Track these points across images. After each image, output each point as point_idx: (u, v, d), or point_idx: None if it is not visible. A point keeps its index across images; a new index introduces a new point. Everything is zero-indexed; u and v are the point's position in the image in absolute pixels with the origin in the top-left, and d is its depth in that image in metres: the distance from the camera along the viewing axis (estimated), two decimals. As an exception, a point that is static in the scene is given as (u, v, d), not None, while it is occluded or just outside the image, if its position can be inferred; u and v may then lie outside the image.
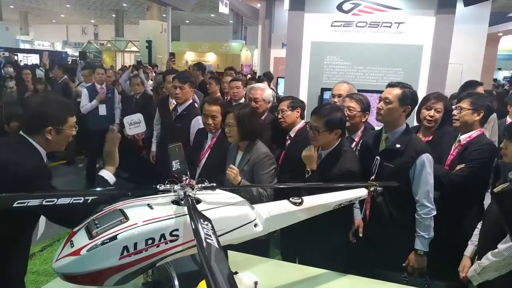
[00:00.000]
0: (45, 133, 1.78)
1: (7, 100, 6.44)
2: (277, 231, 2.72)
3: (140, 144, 4.71)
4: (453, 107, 2.62)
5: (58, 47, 30.35)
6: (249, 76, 9.70)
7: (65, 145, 1.93)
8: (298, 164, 2.40)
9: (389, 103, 2.28)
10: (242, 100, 3.91)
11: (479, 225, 2.14)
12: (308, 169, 2.32)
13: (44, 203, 1.31)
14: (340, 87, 3.18)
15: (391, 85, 2.36)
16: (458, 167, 2.46)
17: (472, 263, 2.07)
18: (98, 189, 1.70)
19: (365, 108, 2.77)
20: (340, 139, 2.35)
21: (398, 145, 2.27)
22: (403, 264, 2.28)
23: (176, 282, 1.41)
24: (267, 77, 7.12)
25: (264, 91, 3.20)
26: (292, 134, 2.91)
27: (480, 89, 3.64)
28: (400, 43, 3.79)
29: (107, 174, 1.87)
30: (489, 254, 1.87)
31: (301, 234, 2.32)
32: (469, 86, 3.64)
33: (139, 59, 13.37)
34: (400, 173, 2.24)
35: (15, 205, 1.26)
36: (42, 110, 1.80)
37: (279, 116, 2.91)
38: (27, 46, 24.88)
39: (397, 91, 2.28)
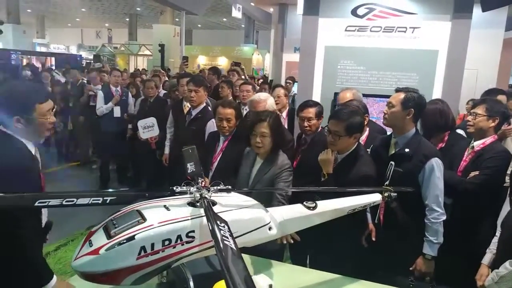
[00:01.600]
0: (14, 122, 1.73)
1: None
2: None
3: (153, 147, 4.77)
4: (468, 113, 2.62)
5: (73, 50, 30.85)
6: (260, 80, 9.75)
7: (44, 134, 1.85)
8: (315, 169, 2.40)
9: (392, 107, 2.34)
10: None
11: (498, 233, 2.11)
12: (324, 173, 2.32)
13: (64, 202, 1.34)
14: (345, 95, 3.15)
15: (397, 90, 2.40)
16: (472, 174, 2.43)
17: (490, 272, 2.03)
18: (111, 190, 1.71)
19: (363, 111, 2.77)
20: (357, 142, 2.34)
21: (407, 150, 2.29)
22: (410, 268, 2.27)
23: (191, 284, 1.43)
24: (293, 80, 7.39)
25: (267, 102, 3.08)
26: (308, 139, 2.88)
27: (501, 97, 3.59)
28: (415, 48, 3.76)
29: None
30: (507, 263, 1.83)
31: (312, 237, 2.33)
32: (492, 93, 3.58)
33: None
34: (409, 177, 2.24)
35: (36, 204, 1.29)
36: (5, 99, 1.76)
37: (305, 124, 2.80)
38: (43, 49, 25.37)
39: (400, 95, 2.32)
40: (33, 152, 1.82)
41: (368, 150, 2.55)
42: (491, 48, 6.47)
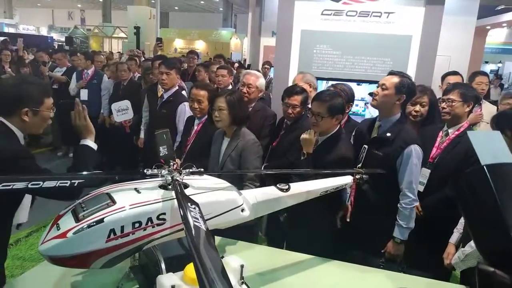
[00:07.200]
0: (21, 114, 1.73)
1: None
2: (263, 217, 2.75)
3: (127, 131, 4.67)
4: (441, 99, 2.57)
5: (44, 31, 29.60)
6: (236, 64, 9.67)
7: (43, 127, 1.88)
8: (288, 152, 2.42)
9: (385, 89, 2.31)
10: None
11: None
12: (304, 152, 2.34)
13: (29, 186, 1.30)
14: (297, 78, 3.22)
15: (391, 73, 2.38)
16: None
17: (456, 250, 2.11)
18: (85, 173, 1.67)
19: (349, 99, 2.78)
20: (339, 125, 2.38)
21: (388, 134, 2.30)
22: (382, 251, 2.33)
23: (163, 266, 1.42)
24: (270, 65, 7.39)
25: (259, 79, 3.19)
26: (288, 123, 2.88)
27: (455, 78, 3.71)
28: (390, 33, 3.80)
29: (90, 142, 1.86)
30: (472, 242, 1.91)
31: (287, 219, 2.36)
32: (449, 75, 3.72)
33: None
34: (387, 161, 2.26)
35: (0, 188, 1.25)
36: (18, 91, 1.75)
37: (289, 111, 2.76)
38: (11, 30, 24.21)
39: (395, 79, 2.31)
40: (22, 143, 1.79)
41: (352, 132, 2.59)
42: (464, 35, 6.58)
